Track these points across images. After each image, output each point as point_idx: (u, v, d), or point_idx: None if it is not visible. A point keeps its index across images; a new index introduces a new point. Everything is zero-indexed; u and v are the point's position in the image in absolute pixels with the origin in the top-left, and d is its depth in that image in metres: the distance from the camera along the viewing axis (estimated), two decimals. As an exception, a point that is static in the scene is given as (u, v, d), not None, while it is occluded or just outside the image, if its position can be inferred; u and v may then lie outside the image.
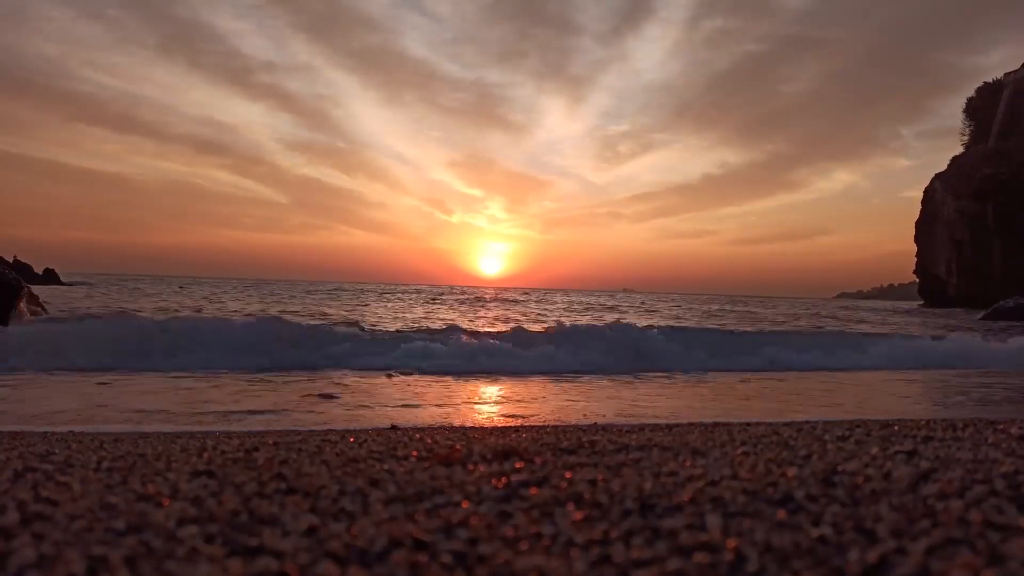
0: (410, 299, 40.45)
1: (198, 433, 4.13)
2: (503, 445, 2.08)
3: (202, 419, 5.32)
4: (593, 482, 1.52)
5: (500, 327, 16.83)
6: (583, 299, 51.74)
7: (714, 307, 42.57)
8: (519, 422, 5.37)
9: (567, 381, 8.48)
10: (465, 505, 1.33)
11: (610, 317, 23.53)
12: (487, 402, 6.92)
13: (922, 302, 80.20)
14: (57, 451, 2.42)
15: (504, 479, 1.55)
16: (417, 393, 7.16)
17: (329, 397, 6.67)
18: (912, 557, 1.00)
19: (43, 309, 16.68)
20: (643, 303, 46.16)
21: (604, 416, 5.63)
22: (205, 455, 2.08)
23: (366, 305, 30.95)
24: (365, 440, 2.68)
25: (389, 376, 8.52)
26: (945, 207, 76.02)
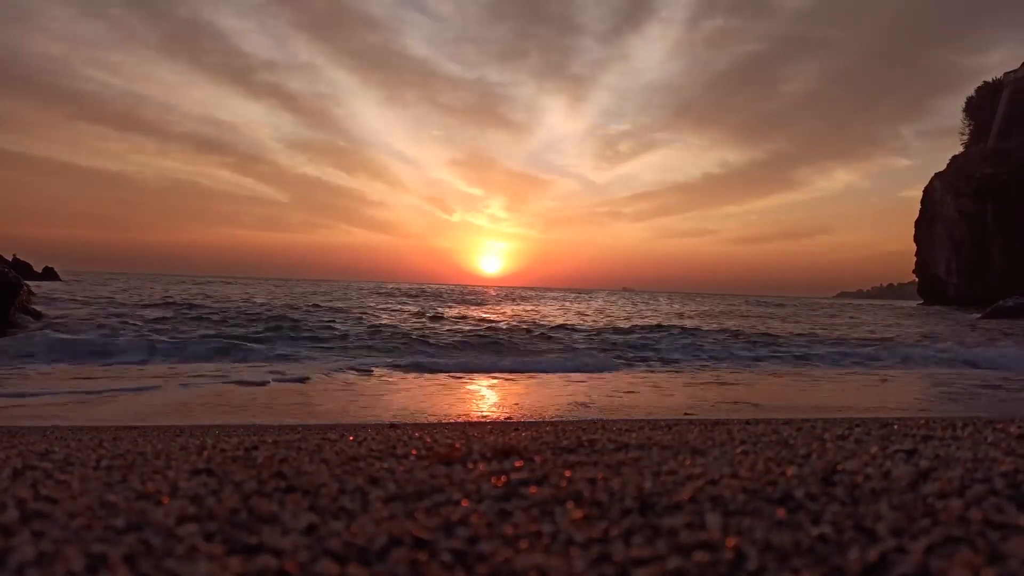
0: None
1: (198, 431, 4.13)
2: (503, 444, 2.08)
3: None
4: (593, 481, 1.52)
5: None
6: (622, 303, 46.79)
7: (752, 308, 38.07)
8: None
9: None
10: (465, 503, 1.33)
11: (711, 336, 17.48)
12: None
13: (921, 301, 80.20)
14: (56, 449, 2.42)
15: (504, 478, 1.55)
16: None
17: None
18: (912, 556, 0.99)
19: (32, 314, 16.55)
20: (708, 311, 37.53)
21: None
22: (205, 453, 2.08)
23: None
24: (364, 438, 2.68)
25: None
26: (945, 206, 76.00)
